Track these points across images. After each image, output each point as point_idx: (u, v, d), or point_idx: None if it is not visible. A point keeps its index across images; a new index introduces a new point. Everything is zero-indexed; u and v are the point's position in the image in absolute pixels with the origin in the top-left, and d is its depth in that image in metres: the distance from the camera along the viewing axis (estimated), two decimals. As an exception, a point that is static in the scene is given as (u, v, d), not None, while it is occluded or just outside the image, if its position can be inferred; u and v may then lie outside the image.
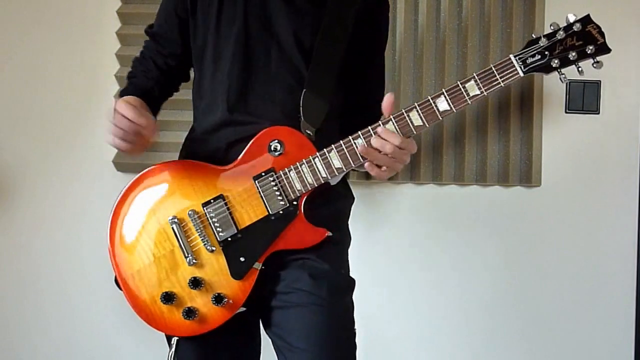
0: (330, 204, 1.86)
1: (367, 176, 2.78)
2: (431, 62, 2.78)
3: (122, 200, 1.85)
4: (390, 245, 2.87)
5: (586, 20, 1.68)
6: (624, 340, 2.80)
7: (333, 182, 1.79)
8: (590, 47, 1.67)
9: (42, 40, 2.92)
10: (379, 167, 1.74)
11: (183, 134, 2.02)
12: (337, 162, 1.75)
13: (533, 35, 1.70)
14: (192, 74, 2.03)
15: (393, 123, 1.72)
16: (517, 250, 2.83)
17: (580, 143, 2.79)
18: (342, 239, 1.94)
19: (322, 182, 1.76)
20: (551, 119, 2.76)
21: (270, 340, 1.89)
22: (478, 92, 1.69)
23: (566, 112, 2.77)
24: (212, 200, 1.78)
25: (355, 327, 1.88)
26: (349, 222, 2.03)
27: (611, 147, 2.78)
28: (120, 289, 1.84)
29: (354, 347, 1.86)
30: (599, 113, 2.76)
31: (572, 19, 1.68)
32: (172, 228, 1.79)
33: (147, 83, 1.97)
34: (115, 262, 1.83)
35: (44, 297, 2.96)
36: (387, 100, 1.72)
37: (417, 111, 1.71)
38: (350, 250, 2.01)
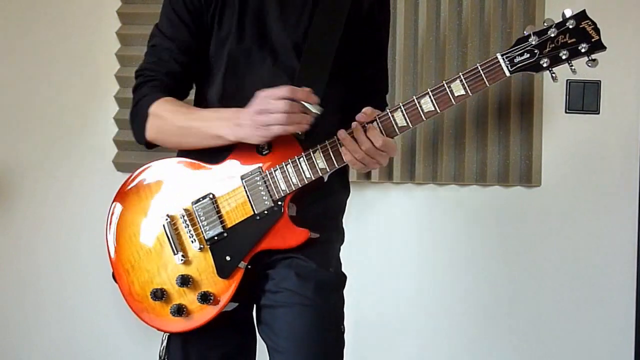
0: (320, 202, 1.85)
1: (367, 176, 2.78)
2: (431, 62, 2.77)
3: (118, 197, 1.88)
4: (389, 245, 2.87)
5: (581, 16, 1.61)
6: (624, 340, 2.78)
7: (326, 177, 1.79)
8: (584, 45, 1.60)
9: (42, 40, 2.94)
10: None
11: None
12: (321, 163, 1.74)
13: (524, 32, 1.64)
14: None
15: (377, 123, 1.70)
16: (517, 251, 2.82)
17: (580, 143, 2.78)
18: (330, 237, 1.93)
19: (307, 182, 1.75)
20: (551, 119, 2.75)
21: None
22: (463, 92, 1.65)
23: (566, 112, 2.76)
24: (200, 199, 1.79)
25: (345, 324, 1.88)
26: (346, 219, 2.02)
27: (611, 147, 2.77)
28: (117, 283, 1.86)
29: (340, 346, 1.86)
30: (599, 113, 2.75)
31: (568, 14, 1.61)
32: (163, 225, 1.80)
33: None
34: (110, 257, 1.87)
35: (44, 297, 2.97)
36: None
37: (402, 111, 1.70)
38: (347, 250, 2.00)
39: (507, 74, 1.63)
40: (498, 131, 2.76)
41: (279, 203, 1.76)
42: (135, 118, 1.86)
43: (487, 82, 1.64)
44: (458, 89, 1.65)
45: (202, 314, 1.79)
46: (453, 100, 1.66)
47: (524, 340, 2.83)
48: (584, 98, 2.73)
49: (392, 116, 1.70)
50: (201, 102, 1.92)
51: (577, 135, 2.78)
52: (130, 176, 1.87)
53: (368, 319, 2.78)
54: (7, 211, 2.97)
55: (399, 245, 2.87)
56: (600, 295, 2.79)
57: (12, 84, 2.96)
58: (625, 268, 2.78)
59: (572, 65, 1.64)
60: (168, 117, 1.79)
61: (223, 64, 1.84)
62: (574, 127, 2.77)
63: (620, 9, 2.73)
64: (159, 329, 1.84)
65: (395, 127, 1.70)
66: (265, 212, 1.76)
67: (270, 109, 1.63)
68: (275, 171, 1.76)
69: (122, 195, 1.87)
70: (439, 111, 1.68)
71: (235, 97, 1.82)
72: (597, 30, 1.61)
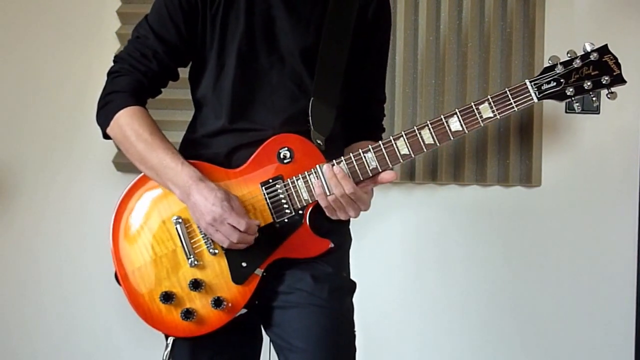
0: None
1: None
2: (431, 61, 2.78)
3: (128, 196, 1.86)
4: (389, 245, 2.87)
5: (603, 50, 1.67)
6: (624, 340, 2.80)
7: None
8: (606, 78, 1.66)
9: (43, 40, 2.93)
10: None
11: (183, 134, 2.00)
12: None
13: (549, 61, 1.68)
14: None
15: (404, 138, 1.72)
16: (517, 250, 2.83)
17: (580, 143, 2.79)
18: (343, 242, 1.94)
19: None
20: (551, 119, 2.76)
21: (270, 340, 1.89)
22: (491, 114, 1.68)
23: (566, 112, 2.77)
24: None
25: (356, 329, 1.88)
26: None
27: (611, 148, 2.78)
28: (120, 284, 1.84)
29: (353, 349, 1.87)
30: (599, 113, 2.76)
31: (589, 48, 1.66)
32: (176, 228, 1.79)
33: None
34: (116, 257, 1.84)
35: (44, 297, 2.97)
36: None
37: (429, 129, 1.71)
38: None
39: (535, 100, 1.68)
40: (498, 131, 2.77)
41: (300, 212, 1.77)
42: (101, 110, 1.84)
43: (515, 107, 1.68)
44: (486, 110, 1.68)
45: (215, 320, 1.78)
46: (481, 122, 1.69)
47: (524, 340, 2.84)
48: (584, 98, 2.74)
49: (420, 133, 1.72)
50: (203, 102, 1.89)
51: (577, 135, 2.79)
52: (141, 175, 1.84)
53: (368, 320, 2.78)
54: (8, 211, 2.96)
55: (398, 245, 2.88)
56: (600, 295, 2.81)
57: (12, 83, 2.95)
58: (625, 268, 2.79)
59: (593, 97, 1.71)
60: (131, 136, 1.77)
61: (232, 67, 1.81)
62: (574, 127, 2.78)
63: (620, 9, 2.74)
64: (165, 333, 1.82)
65: (423, 144, 1.72)
66: (286, 220, 1.77)
67: (223, 231, 1.70)
68: (297, 180, 1.75)
69: (130, 195, 1.85)
70: (466, 132, 1.70)
71: (245, 102, 1.81)
72: (619, 65, 1.67)
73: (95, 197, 2.88)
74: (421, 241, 2.87)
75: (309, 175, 1.75)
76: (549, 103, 2.68)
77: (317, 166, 1.72)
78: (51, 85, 2.93)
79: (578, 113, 2.75)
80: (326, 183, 1.71)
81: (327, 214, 1.77)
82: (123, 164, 2.82)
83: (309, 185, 1.74)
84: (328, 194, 1.72)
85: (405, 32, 2.77)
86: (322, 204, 1.74)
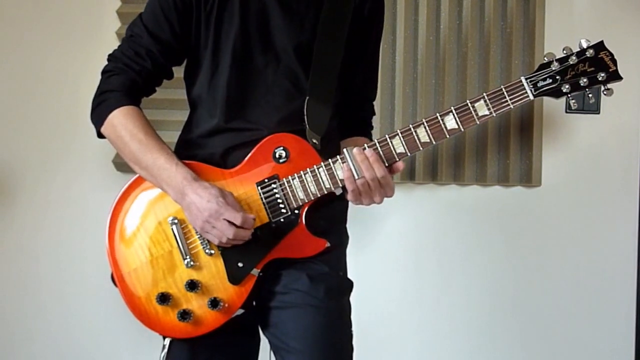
0: (326, 206, 1.84)
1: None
2: (431, 61, 2.77)
3: (123, 198, 1.85)
4: (389, 245, 2.87)
5: (599, 46, 1.67)
6: (624, 340, 2.80)
7: (338, 191, 1.78)
8: (602, 74, 1.66)
9: (43, 40, 2.93)
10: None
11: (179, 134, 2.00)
12: (341, 174, 1.73)
13: (545, 58, 1.67)
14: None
15: (400, 138, 1.71)
16: (517, 251, 2.83)
17: (580, 143, 2.79)
18: (340, 241, 1.93)
19: (325, 192, 1.74)
20: (551, 119, 2.76)
21: (267, 341, 1.89)
22: (487, 112, 1.67)
23: (566, 112, 2.77)
24: None
25: (352, 329, 1.88)
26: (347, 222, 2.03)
27: (611, 147, 2.78)
28: (116, 285, 1.84)
29: (350, 349, 1.86)
30: (599, 113, 2.76)
31: (585, 44, 1.66)
32: (172, 229, 1.78)
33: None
34: (112, 259, 1.83)
35: (44, 297, 2.97)
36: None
37: (425, 127, 1.70)
38: (348, 251, 2.00)
39: (531, 97, 1.67)
40: (498, 131, 2.76)
41: (296, 212, 1.76)
42: (95, 109, 1.83)
43: (511, 104, 1.67)
44: (481, 108, 1.68)
45: (212, 320, 1.77)
46: (477, 120, 1.68)
47: (524, 339, 2.84)
48: (584, 98, 2.73)
49: (415, 131, 1.71)
50: (198, 102, 1.89)
51: (577, 135, 2.78)
52: (137, 176, 1.84)
53: (367, 320, 2.78)
54: (8, 211, 2.96)
55: (398, 244, 2.88)
56: (600, 294, 2.81)
57: (11, 84, 2.95)
58: (625, 268, 2.79)
59: (589, 94, 1.70)
60: (125, 136, 1.77)
61: (227, 66, 1.80)
62: (574, 127, 2.78)
63: (620, 8, 2.74)
64: (161, 334, 1.82)
65: (418, 142, 1.71)
66: (282, 220, 1.76)
67: (219, 228, 1.68)
68: (293, 179, 1.75)
69: (126, 196, 1.84)
70: (462, 129, 1.69)
71: (240, 101, 1.81)
72: (614, 61, 1.67)
73: (95, 197, 2.88)
74: (421, 241, 2.86)
75: (304, 174, 1.74)
76: (549, 102, 2.69)
77: (346, 150, 1.70)
78: (51, 85, 2.93)
79: (578, 113, 2.75)
80: (354, 166, 1.70)
81: (349, 199, 1.75)
82: (123, 164, 2.81)
83: (305, 185, 1.74)
84: (356, 177, 1.70)
85: (405, 32, 2.76)
86: (349, 187, 1.71)
